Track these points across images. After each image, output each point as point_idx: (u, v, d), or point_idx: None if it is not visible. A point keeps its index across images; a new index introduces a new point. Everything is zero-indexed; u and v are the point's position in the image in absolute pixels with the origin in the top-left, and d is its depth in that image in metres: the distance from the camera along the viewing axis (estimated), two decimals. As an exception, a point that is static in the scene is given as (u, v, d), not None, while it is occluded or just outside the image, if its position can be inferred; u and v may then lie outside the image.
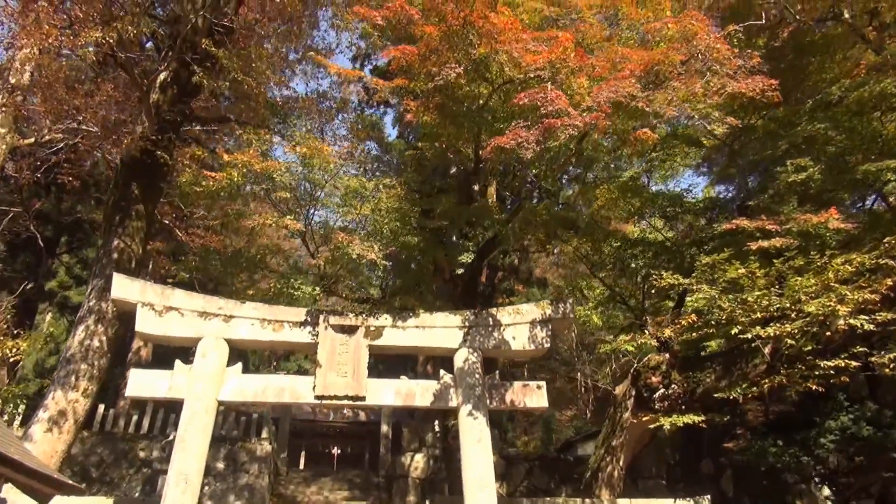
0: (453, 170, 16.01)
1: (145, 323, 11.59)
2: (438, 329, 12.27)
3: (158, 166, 15.11)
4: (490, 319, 12.42)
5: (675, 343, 15.49)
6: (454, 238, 14.25)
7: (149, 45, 16.48)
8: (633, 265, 18.62)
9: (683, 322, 14.38)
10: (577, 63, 11.29)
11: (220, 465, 21.16)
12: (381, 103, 27.84)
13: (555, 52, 11.26)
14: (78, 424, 14.66)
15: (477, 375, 11.90)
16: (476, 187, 14.67)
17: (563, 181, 26.02)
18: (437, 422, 22.08)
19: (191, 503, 10.43)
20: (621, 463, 16.07)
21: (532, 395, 12.13)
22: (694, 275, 13.96)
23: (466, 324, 12.33)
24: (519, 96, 10.86)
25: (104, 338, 15.01)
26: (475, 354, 12.09)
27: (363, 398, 11.58)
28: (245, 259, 13.81)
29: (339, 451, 34.83)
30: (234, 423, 22.55)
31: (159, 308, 11.68)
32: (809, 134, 15.13)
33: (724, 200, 18.45)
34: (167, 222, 20.68)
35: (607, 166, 16.44)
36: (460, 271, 14.66)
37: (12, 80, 17.88)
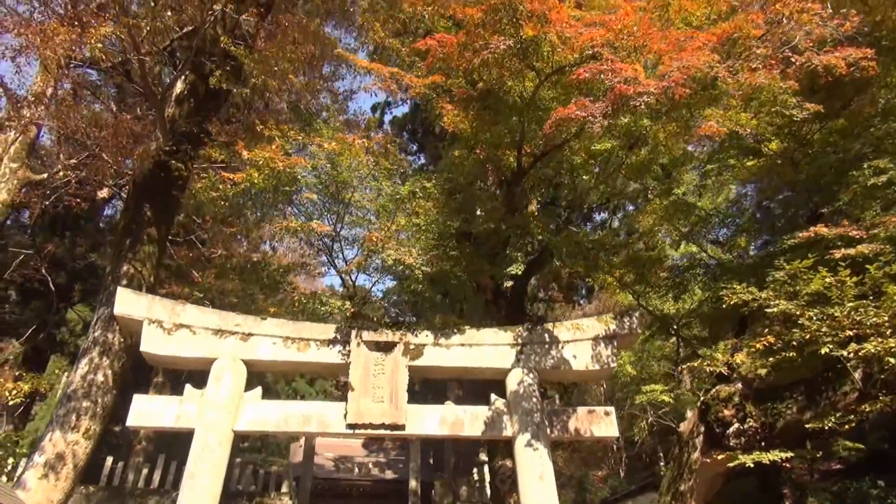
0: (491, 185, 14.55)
1: (152, 343, 10.01)
2: (487, 347, 10.57)
3: (173, 183, 13.82)
4: (546, 336, 10.71)
5: (749, 370, 13.60)
6: (497, 252, 12.64)
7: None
8: (690, 287, 16.95)
9: (758, 346, 12.60)
10: (642, 38, 9.89)
11: (237, 524, 19.19)
12: (405, 150, 26.88)
13: (614, 27, 9.91)
14: (78, 470, 12.91)
15: (535, 399, 10.13)
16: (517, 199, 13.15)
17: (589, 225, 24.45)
18: (475, 470, 19.99)
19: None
20: (691, 511, 13.95)
21: (600, 423, 10.30)
22: (770, 288, 12.26)
23: (519, 341, 10.63)
24: (578, 72, 9.45)
25: (109, 372, 13.40)
26: (531, 375, 10.35)
27: (402, 427, 9.81)
28: (266, 274, 12.29)
29: (363, 513, 32.44)
30: (252, 478, 20.65)
31: (168, 326, 10.12)
32: (885, 133, 13.63)
33: (785, 216, 16.80)
34: (182, 263, 19.36)
35: (657, 177, 14.90)
36: (509, 283, 12.99)
37: (26, 114, 16.95)
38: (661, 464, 36.31)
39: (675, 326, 19.63)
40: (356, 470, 31.81)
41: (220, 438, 9.36)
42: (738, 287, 12.40)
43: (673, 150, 12.91)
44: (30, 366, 24.06)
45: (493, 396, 10.39)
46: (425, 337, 10.47)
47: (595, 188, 12.86)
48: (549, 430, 10.01)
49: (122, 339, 13.62)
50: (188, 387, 9.91)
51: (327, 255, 11.48)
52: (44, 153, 17.45)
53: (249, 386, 10.14)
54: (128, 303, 10.19)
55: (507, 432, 10.02)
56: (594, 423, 10.25)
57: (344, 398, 9.91)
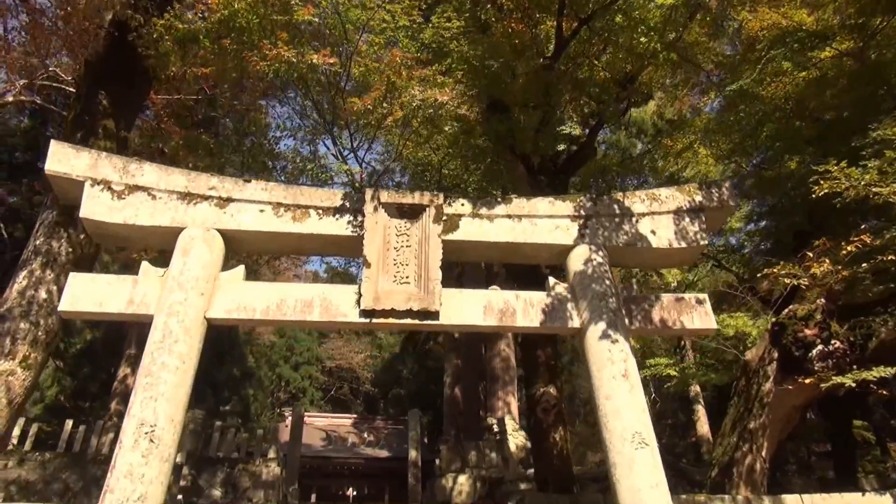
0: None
1: (96, 209, 7.29)
2: (542, 220, 7.99)
3: (133, 63, 11.07)
4: (616, 207, 8.17)
5: (833, 282, 11.14)
6: (537, 130, 9.99)
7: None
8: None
9: (850, 248, 10.20)
10: None
11: (217, 492, 16.42)
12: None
13: None
14: (14, 408, 10.11)
15: (607, 282, 7.58)
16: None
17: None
18: (493, 424, 17.36)
19: (158, 472, 5.95)
20: (763, 452, 11.47)
21: (692, 314, 7.75)
22: (873, 171, 9.87)
23: (582, 213, 8.06)
24: None
25: (55, 287, 10.64)
26: (600, 254, 7.80)
27: (436, 314, 7.19)
28: (250, 145, 9.51)
29: (354, 493, 29.76)
30: (233, 443, 17.94)
31: (119, 188, 7.42)
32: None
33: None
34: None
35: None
36: (562, 147, 10.36)
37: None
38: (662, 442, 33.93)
39: (716, 261, 17.24)
40: (348, 447, 29.12)
41: (188, 325, 6.68)
42: (834, 169, 9.92)
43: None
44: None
45: (550, 280, 7.81)
46: (461, 206, 7.87)
47: (653, 58, 10.32)
48: (627, 321, 7.46)
49: (69, 249, 10.93)
50: (145, 264, 7.22)
51: (325, 124, 8.78)
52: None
53: (228, 265, 7.50)
54: (64, 159, 7.46)
55: (574, 323, 7.45)
56: (684, 314, 7.71)
57: (359, 279, 7.29)
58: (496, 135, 9.53)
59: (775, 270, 11.19)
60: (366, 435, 31.35)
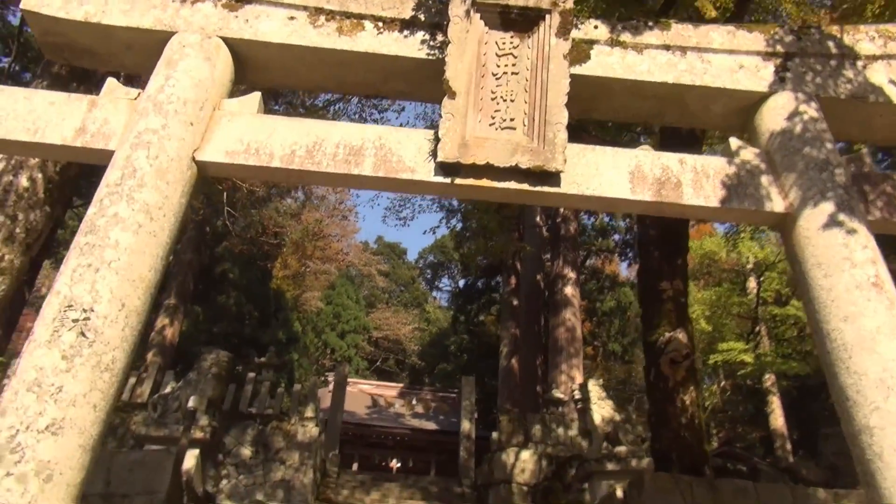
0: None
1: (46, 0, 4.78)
2: (717, 56, 5.09)
3: None
4: (831, 45, 5.21)
5: None
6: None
7: None
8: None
9: None
10: None
11: (246, 452, 14.10)
12: None
13: None
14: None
15: (829, 145, 4.67)
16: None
17: None
18: (575, 390, 14.59)
19: (90, 386, 3.40)
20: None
21: (962, 202, 4.82)
22: None
23: (779, 48, 5.14)
24: None
25: (39, 175, 8.34)
26: (812, 105, 4.89)
27: (556, 178, 4.41)
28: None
29: (399, 464, 27.46)
30: (267, 397, 15.61)
31: (82, -25, 4.88)
32: None
33: None
34: None
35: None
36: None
37: None
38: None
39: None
40: (393, 416, 26.83)
41: (164, 165, 4.07)
42: None
43: None
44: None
45: (733, 141, 4.91)
46: (593, 29, 5.06)
47: None
48: (863, 208, 4.56)
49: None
50: (112, 81, 4.61)
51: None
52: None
53: (236, 91, 4.89)
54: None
55: (775, 205, 4.56)
56: (954, 202, 4.76)
57: (439, 117, 4.57)
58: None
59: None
60: (414, 402, 28.99)
